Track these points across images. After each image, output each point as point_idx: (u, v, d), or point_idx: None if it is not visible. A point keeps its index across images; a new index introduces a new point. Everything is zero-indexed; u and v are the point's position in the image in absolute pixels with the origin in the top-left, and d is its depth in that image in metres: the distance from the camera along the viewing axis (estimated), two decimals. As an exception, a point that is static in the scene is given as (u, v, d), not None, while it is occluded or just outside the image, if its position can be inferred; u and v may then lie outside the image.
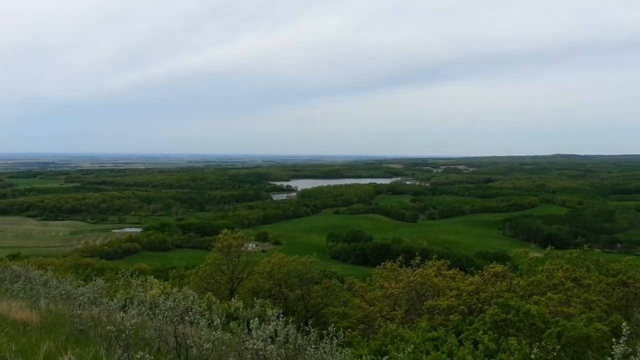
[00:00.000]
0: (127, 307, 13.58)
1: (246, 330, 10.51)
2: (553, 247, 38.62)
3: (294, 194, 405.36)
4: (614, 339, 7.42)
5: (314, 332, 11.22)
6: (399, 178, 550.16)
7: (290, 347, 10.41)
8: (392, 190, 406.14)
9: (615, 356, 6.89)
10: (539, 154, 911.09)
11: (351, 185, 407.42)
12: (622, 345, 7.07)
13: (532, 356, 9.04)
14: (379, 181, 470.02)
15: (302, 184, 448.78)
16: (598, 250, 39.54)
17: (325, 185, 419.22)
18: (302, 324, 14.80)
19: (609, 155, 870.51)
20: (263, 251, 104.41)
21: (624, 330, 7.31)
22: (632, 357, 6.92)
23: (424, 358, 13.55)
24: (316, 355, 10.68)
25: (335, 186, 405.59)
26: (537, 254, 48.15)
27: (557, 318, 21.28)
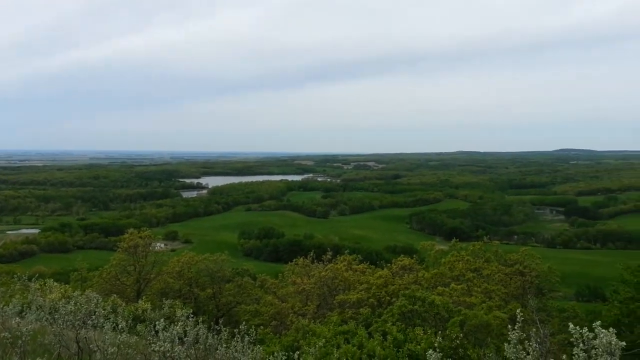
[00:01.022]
0: (24, 313, 12.88)
1: (153, 332, 10.18)
2: (457, 239, 40.62)
3: (204, 191, 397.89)
4: (509, 326, 7.90)
5: (225, 331, 11.09)
6: (311, 174, 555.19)
7: (201, 347, 10.23)
8: (303, 186, 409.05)
9: (511, 342, 7.32)
10: (444, 151, 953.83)
11: (263, 182, 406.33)
12: (518, 331, 7.52)
13: (436, 344, 9.41)
14: (290, 178, 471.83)
15: (213, 181, 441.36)
16: (497, 242, 41.82)
17: (237, 182, 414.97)
18: (212, 323, 14.57)
19: (506, 152, 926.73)
20: (172, 250, 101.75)
21: (519, 317, 7.79)
22: (526, 342, 7.38)
23: (335, 352, 13.75)
24: (227, 355, 10.56)
25: (247, 183, 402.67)
26: (442, 246, 50.44)
27: (459, 307, 22.37)
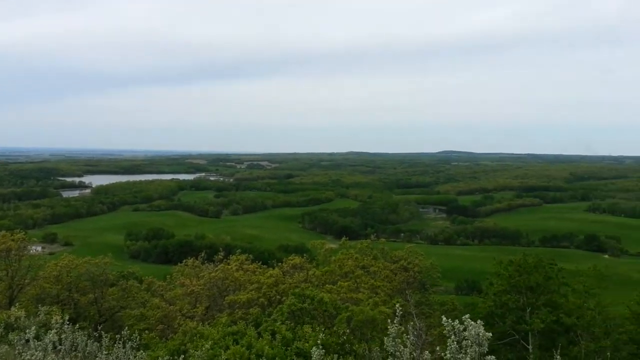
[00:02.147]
0: None
1: (24, 341, 9.48)
2: (347, 238, 41.65)
3: (87, 190, 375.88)
4: (388, 320, 8.23)
5: (107, 337, 10.57)
6: (203, 174, 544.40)
7: (79, 355, 9.66)
8: (195, 186, 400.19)
9: (390, 335, 7.62)
10: (336, 152, 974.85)
11: (152, 182, 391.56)
12: (397, 325, 7.85)
13: (319, 341, 9.58)
14: (182, 177, 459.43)
15: (97, 180, 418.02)
16: (384, 239, 43.49)
17: (124, 181, 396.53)
18: (91, 330, 13.81)
19: (394, 153, 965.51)
20: (51, 254, 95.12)
21: (398, 312, 8.12)
22: (404, 334, 7.71)
23: (223, 353, 13.57)
24: (107, 362, 10.06)
25: (135, 182, 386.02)
26: (332, 245, 51.48)
27: (347, 304, 22.98)
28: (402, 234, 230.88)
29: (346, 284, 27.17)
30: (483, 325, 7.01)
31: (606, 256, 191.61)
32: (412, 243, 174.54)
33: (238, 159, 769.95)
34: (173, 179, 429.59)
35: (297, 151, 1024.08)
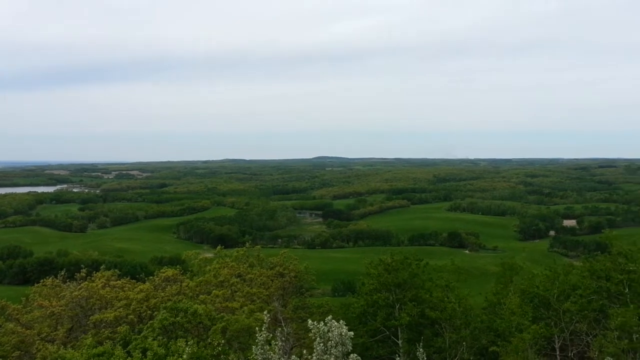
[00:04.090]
0: None
1: None
2: (223, 246, 41.05)
3: None
4: (257, 328, 8.19)
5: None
6: (65, 185, 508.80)
7: None
8: (56, 199, 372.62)
9: (259, 343, 7.58)
10: (211, 159, 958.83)
11: (5, 195, 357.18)
12: (265, 332, 7.83)
13: (185, 356, 9.31)
14: (40, 189, 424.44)
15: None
16: (259, 246, 43.45)
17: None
18: None
19: (270, 160, 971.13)
20: None
21: (266, 319, 8.11)
22: (273, 341, 7.71)
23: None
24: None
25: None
26: (209, 254, 50.48)
27: (222, 314, 22.63)
28: (280, 240, 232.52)
29: (221, 293, 26.76)
30: (358, 324, 7.21)
31: (467, 251, 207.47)
32: (290, 248, 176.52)
33: (105, 168, 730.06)
34: (30, 191, 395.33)
35: (170, 159, 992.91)
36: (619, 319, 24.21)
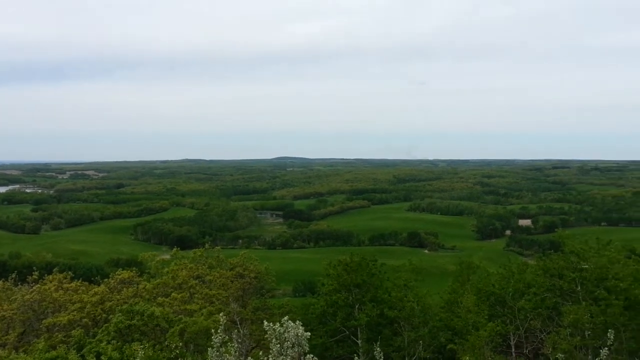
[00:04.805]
0: None
1: None
2: (179, 248, 40.49)
3: None
4: (212, 330, 8.07)
5: None
6: (17, 186, 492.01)
7: None
8: (8, 199, 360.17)
9: (214, 346, 7.48)
10: (170, 159, 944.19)
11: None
12: (220, 334, 7.73)
13: (137, 359, 9.13)
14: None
15: None
16: (219, 247, 43.01)
17: None
18: None
19: (230, 160, 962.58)
20: None
21: (222, 320, 8.01)
22: (229, 343, 7.62)
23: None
24: None
25: None
26: (167, 256, 49.67)
27: (180, 316, 22.30)
28: (240, 241, 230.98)
29: (180, 295, 26.38)
30: (318, 325, 7.19)
31: (426, 251, 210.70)
32: (251, 249, 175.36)
33: (59, 168, 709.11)
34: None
35: (127, 159, 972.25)
36: (571, 316, 24.99)
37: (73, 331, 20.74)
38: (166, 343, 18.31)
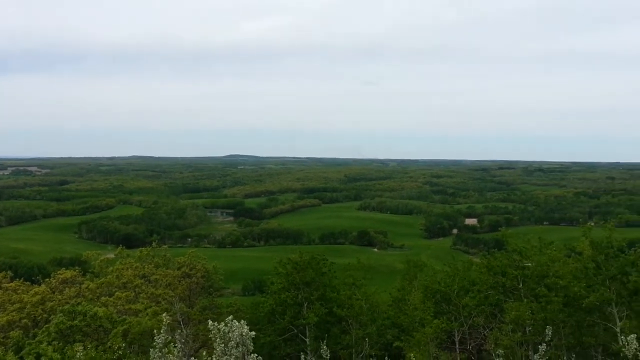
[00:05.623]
0: None
1: None
2: (125, 247, 39.56)
3: None
4: (155, 331, 7.95)
5: None
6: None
7: None
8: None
9: (157, 347, 7.37)
10: (117, 156, 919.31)
11: None
12: (163, 335, 7.63)
13: (77, 358, 8.93)
14: None
15: None
16: (166, 246, 42.30)
17: None
18: None
19: (180, 157, 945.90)
20: None
21: (165, 320, 7.91)
22: (172, 344, 7.52)
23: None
24: None
25: None
26: (112, 255, 48.42)
27: (124, 317, 21.82)
28: (189, 239, 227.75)
29: (124, 295, 25.82)
30: (266, 323, 7.19)
31: (375, 249, 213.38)
32: (200, 248, 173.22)
33: (0, 164, 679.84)
34: None
35: (72, 155, 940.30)
36: (513, 312, 25.85)
37: (12, 332, 20.05)
38: (109, 344, 17.91)
